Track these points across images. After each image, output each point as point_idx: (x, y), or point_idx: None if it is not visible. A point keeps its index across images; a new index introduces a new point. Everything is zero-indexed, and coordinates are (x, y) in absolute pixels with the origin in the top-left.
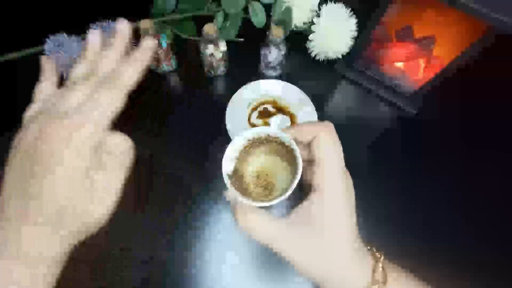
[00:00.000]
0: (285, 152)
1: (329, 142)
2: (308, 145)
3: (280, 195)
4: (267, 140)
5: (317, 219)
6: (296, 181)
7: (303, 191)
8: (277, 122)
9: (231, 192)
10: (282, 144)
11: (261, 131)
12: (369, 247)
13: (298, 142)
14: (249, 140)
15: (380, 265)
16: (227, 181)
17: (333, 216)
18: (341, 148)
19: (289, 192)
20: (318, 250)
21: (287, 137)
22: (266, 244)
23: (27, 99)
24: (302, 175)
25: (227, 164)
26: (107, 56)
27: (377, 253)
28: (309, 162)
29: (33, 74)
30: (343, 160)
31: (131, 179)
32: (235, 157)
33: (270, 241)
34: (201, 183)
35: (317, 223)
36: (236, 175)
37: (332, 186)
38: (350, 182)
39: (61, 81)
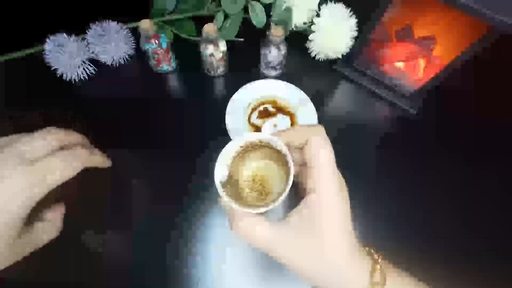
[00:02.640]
0: (279, 157)
1: (320, 144)
2: (301, 149)
3: (274, 200)
4: (260, 145)
5: (312, 221)
6: (288, 186)
7: (298, 194)
8: (272, 123)
9: (224, 200)
10: (274, 149)
11: (252, 136)
12: (367, 248)
13: (291, 146)
14: (241, 146)
15: (379, 266)
16: (219, 188)
17: (327, 217)
18: (332, 151)
19: (283, 197)
20: (315, 252)
21: (278, 142)
22: (263, 249)
23: (27, 99)
24: (296, 179)
25: (220, 171)
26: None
27: (375, 255)
28: (304, 166)
29: (33, 74)
30: (334, 162)
31: (131, 178)
32: (228, 163)
33: (267, 246)
34: (201, 183)
35: (312, 225)
36: (230, 181)
37: (324, 187)
38: (343, 183)
39: (61, 81)
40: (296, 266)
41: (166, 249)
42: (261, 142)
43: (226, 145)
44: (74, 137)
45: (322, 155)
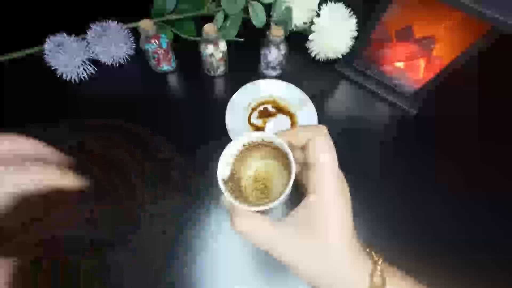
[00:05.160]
0: (281, 156)
1: (322, 145)
2: (304, 148)
3: (276, 198)
4: (263, 145)
5: (312, 221)
6: (290, 186)
7: (300, 194)
8: (274, 123)
9: (227, 197)
10: (277, 148)
11: (255, 136)
12: (368, 249)
13: (293, 146)
14: (244, 145)
15: (379, 268)
16: (222, 186)
17: (327, 217)
18: (334, 151)
19: (284, 196)
20: (314, 252)
21: (281, 142)
22: (263, 247)
23: (27, 99)
24: (298, 178)
25: (223, 169)
26: None
27: (375, 256)
28: (306, 165)
29: (33, 74)
30: (336, 163)
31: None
32: (231, 161)
33: (267, 244)
34: (201, 183)
35: (312, 225)
36: (233, 179)
37: (325, 188)
38: (345, 184)
39: (61, 81)
40: (295, 266)
41: (165, 249)
42: (264, 141)
43: (230, 143)
44: (24, 146)
45: (324, 156)
